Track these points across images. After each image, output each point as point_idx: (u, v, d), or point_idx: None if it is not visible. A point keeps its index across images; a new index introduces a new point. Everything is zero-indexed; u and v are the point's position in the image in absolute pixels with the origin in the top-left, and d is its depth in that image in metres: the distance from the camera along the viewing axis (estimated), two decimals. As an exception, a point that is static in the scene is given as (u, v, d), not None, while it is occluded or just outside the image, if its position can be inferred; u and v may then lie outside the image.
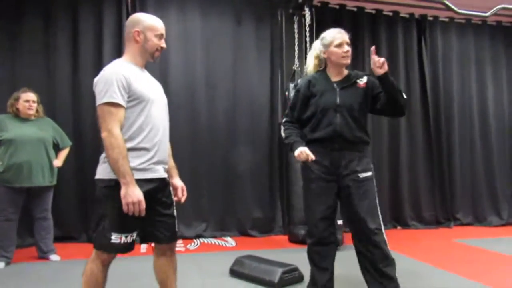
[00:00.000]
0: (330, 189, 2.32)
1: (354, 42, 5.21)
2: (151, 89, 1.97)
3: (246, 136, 4.75)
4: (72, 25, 4.34)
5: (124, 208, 1.76)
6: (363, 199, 2.27)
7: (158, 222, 1.97)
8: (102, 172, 1.86)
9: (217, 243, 4.30)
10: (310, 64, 2.49)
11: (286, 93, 4.49)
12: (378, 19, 5.33)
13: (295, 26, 4.71)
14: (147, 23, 1.96)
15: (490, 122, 5.56)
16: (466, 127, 5.50)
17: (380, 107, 2.34)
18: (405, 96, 2.31)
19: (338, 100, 2.31)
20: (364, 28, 5.23)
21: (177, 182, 2.13)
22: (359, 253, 2.33)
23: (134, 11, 4.43)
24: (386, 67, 2.19)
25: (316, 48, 2.45)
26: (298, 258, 3.09)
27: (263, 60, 4.87)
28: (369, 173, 2.31)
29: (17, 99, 3.45)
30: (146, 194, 1.82)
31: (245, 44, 4.81)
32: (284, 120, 2.54)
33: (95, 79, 1.89)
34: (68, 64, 4.32)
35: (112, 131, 1.78)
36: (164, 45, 2.02)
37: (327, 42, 2.36)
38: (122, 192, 1.75)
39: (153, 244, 4.10)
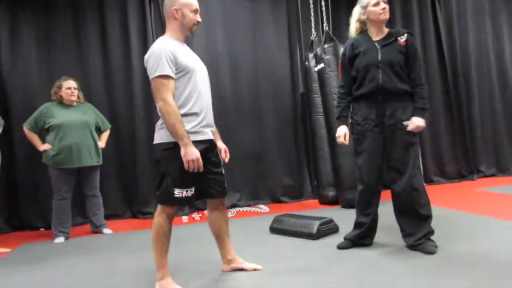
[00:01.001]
0: (378, 139, 2.53)
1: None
2: (193, 60, 2.20)
3: (270, 107, 4.96)
4: (99, 14, 4.57)
5: (185, 165, 2.01)
6: (407, 146, 2.46)
7: (210, 180, 2.23)
8: (160, 137, 2.11)
9: (252, 210, 4.57)
10: (352, 28, 2.68)
11: (306, 63, 4.66)
12: (390, -18, 5.39)
13: (310, -3, 4.84)
14: (183, 1, 2.17)
15: (508, 73, 5.64)
16: (484, 80, 5.59)
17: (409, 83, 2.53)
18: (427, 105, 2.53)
19: (379, 57, 2.49)
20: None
21: (221, 144, 2.38)
22: (396, 197, 2.53)
23: (156, -3, 4.63)
24: (420, 127, 2.45)
25: (355, 12, 2.63)
26: (331, 215, 3.32)
27: (281, 32, 5.03)
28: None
29: (59, 87, 3.73)
30: (200, 154, 2.06)
31: (263, 19, 4.98)
32: (338, 85, 2.74)
33: (146, 56, 2.12)
34: (99, 52, 4.57)
35: (167, 100, 2.02)
36: (199, 19, 2.23)
37: (365, 3, 2.54)
38: (182, 152, 2.00)
39: (193, 215, 4.42)
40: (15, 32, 4.37)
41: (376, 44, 2.53)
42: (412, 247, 2.48)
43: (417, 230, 2.48)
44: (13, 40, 4.37)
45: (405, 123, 2.47)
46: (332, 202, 4.44)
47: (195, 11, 2.20)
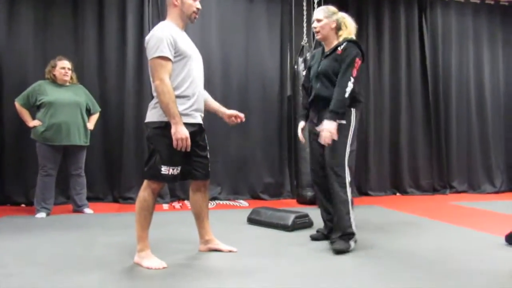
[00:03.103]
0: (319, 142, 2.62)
1: (359, 23, 5.55)
2: (190, 47, 2.34)
3: (257, 108, 5.11)
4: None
5: (174, 143, 2.13)
6: (332, 146, 2.53)
7: (195, 162, 2.36)
8: (153, 116, 2.23)
9: (231, 204, 4.70)
10: None
11: (295, 67, 4.83)
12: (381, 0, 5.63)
13: (304, 3, 5.03)
14: None
15: (486, 96, 5.90)
16: (463, 101, 5.84)
17: None
18: (346, 96, 2.49)
19: (319, 68, 2.69)
20: (368, 9, 5.55)
21: (231, 111, 2.56)
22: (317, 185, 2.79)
23: (155, -12, 4.75)
24: (328, 140, 2.47)
25: None
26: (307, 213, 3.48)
27: (273, 36, 5.20)
28: (342, 121, 2.53)
29: (54, 66, 3.82)
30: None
31: (257, 21, 5.13)
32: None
33: (147, 38, 2.25)
34: (94, 37, 4.67)
35: (164, 79, 2.14)
36: (199, 6, 2.36)
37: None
38: (172, 130, 2.13)
39: (174, 203, 4.51)
40: (13, 10, 4.45)
41: (322, 56, 2.74)
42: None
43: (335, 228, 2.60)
44: (11, 18, 4.44)
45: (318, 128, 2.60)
46: (310, 202, 4.59)
47: None
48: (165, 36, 2.17)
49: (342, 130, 2.54)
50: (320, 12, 2.70)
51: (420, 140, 5.65)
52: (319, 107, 2.69)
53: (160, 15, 4.69)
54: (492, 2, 5.99)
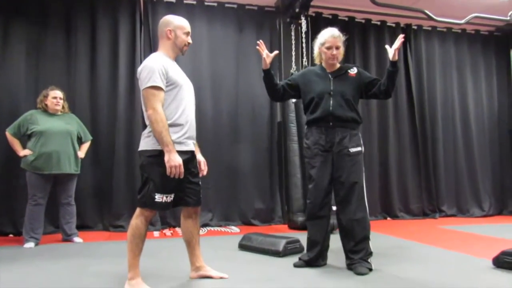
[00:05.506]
0: (327, 165, 2.70)
1: (346, 49, 5.73)
2: (181, 77, 2.40)
3: (248, 134, 5.18)
4: (91, 32, 4.78)
5: (168, 171, 2.17)
6: (352, 171, 2.65)
7: (187, 189, 2.39)
8: (146, 144, 2.27)
9: (223, 230, 4.69)
10: (316, 54, 2.88)
11: (285, 94, 4.93)
12: (367, 27, 5.83)
13: (292, 33, 5.19)
14: (177, 23, 2.40)
15: (471, 121, 6.07)
16: (449, 125, 5.99)
17: (376, 91, 2.76)
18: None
19: (332, 87, 2.74)
20: (354, 36, 5.72)
21: (200, 157, 2.56)
22: (340, 221, 2.71)
23: (147, 20, 4.88)
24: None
25: (316, 44, 2.85)
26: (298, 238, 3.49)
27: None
28: (359, 148, 2.71)
29: (46, 96, 3.86)
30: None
31: (247, 49, 5.27)
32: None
33: (139, 69, 2.32)
34: (87, 67, 4.74)
35: (156, 108, 2.20)
36: (190, 41, 2.46)
37: (321, 41, 2.79)
38: (166, 158, 2.16)
39: (165, 231, 4.49)
40: (6, 39, 4.51)
41: (329, 75, 2.78)
42: (348, 266, 2.65)
43: (355, 251, 2.63)
44: (3, 49, 4.50)
45: (351, 149, 2.67)
46: (301, 227, 4.59)
47: (187, 34, 2.43)
48: (157, 67, 2.23)
49: (360, 157, 2.71)
50: (338, 39, 2.75)
51: (409, 165, 5.74)
52: (328, 125, 2.70)
53: (152, 46, 4.80)
54: (473, 32, 6.23)
